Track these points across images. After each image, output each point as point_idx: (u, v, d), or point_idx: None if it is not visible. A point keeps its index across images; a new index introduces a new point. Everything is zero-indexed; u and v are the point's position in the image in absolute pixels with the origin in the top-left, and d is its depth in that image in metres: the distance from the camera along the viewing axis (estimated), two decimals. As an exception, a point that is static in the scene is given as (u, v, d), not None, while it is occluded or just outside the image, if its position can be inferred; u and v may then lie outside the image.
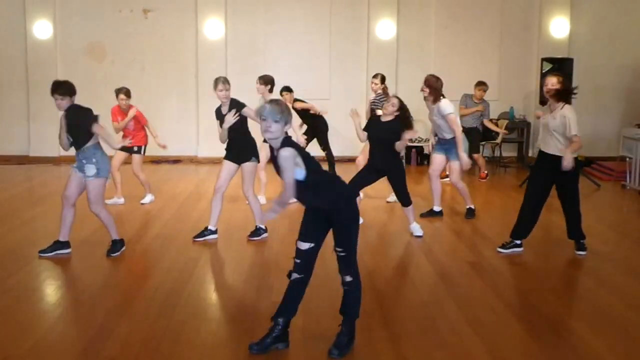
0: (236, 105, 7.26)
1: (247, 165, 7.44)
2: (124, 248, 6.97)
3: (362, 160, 9.41)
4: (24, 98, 13.73)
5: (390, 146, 7.52)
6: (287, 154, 4.22)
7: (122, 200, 9.48)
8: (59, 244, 6.83)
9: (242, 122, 7.27)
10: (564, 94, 6.80)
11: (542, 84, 6.78)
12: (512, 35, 14.29)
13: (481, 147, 12.67)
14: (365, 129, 7.83)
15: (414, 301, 5.68)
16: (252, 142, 7.46)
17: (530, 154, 14.02)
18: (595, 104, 14.20)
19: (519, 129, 14.15)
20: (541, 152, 7.02)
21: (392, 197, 9.40)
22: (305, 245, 4.54)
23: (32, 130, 13.90)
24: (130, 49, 14.14)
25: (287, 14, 14.21)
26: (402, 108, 7.53)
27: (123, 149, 9.03)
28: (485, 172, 12.16)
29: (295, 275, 4.56)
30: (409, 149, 13.82)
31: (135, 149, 9.42)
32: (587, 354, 4.55)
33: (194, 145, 14.01)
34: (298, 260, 4.56)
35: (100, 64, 14.02)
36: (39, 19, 13.89)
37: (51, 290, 6.00)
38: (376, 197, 9.98)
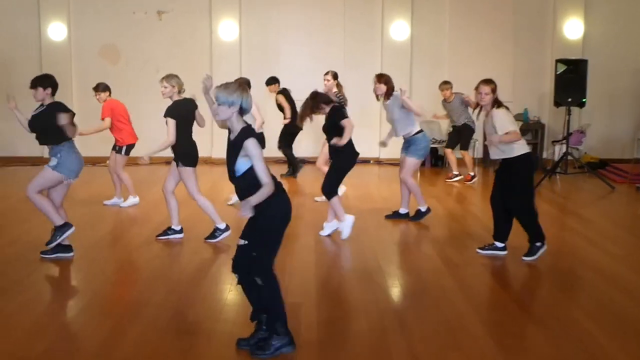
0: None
1: (180, 170, 7.43)
2: (64, 235, 6.69)
3: (321, 162, 9.72)
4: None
5: (330, 137, 7.58)
6: (253, 141, 4.26)
7: (136, 199, 9.52)
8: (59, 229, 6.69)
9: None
10: (498, 100, 6.80)
11: (478, 90, 6.84)
12: (526, 36, 14.22)
13: (472, 147, 12.71)
14: None
15: (426, 302, 5.67)
16: (184, 149, 7.32)
17: (544, 156, 13.97)
18: (609, 105, 14.14)
19: (533, 130, 14.07)
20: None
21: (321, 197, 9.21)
22: (241, 242, 4.51)
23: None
24: (144, 50, 14.19)
25: (301, 15, 14.23)
26: (315, 99, 7.52)
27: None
28: (472, 174, 11.88)
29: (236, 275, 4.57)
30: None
31: (116, 148, 9.44)
32: (601, 356, 4.54)
33: (208, 146, 13.97)
34: (234, 257, 4.56)
35: (114, 65, 14.08)
36: (53, 20, 13.99)
37: (64, 293, 6.04)
38: (384, 200, 9.97)
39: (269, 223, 4.42)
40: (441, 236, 7.87)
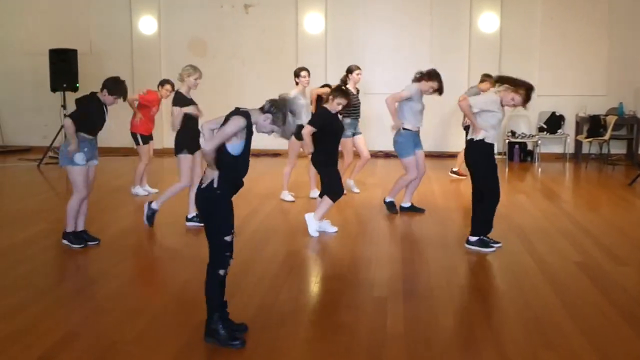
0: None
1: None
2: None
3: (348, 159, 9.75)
4: (129, 92, 14.06)
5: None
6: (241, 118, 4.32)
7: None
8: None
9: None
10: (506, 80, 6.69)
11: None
12: (621, 27, 13.64)
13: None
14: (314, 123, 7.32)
15: (518, 301, 5.49)
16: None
17: (640, 152, 13.46)
18: None
19: (628, 125, 13.55)
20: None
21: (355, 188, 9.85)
22: (231, 237, 4.46)
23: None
24: (231, 43, 14.37)
25: (387, 7, 14.09)
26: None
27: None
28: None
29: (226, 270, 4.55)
30: (511, 144, 13.47)
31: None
32: None
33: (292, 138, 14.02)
34: (228, 254, 4.50)
35: (202, 58, 14.28)
36: (144, 14, 14.34)
37: (158, 279, 6.13)
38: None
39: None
40: (529, 232, 7.63)
